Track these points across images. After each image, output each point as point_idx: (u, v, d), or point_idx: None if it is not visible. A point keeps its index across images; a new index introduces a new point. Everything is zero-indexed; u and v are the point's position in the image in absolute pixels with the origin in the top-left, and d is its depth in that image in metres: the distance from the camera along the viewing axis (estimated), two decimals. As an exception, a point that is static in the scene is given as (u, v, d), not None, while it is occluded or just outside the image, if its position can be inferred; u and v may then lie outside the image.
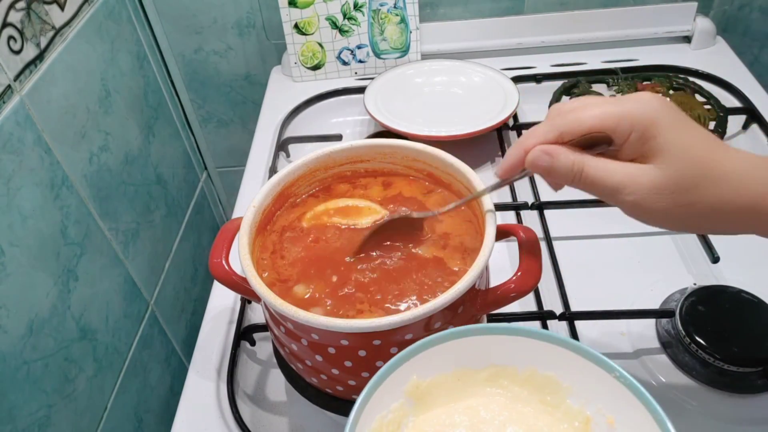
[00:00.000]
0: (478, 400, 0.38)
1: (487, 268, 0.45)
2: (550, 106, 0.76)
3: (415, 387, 0.37)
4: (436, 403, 0.38)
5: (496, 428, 0.37)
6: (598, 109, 0.37)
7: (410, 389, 0.37)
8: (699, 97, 0.75)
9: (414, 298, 0.44)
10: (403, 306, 0.43)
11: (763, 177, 0.36)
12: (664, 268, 0.62)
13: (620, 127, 0.36)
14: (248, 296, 0.51)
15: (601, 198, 0.38)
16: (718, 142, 0.37)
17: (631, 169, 0.37)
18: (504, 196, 0.71)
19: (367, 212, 0.52)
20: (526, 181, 0.71)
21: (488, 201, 0.45)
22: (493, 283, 0.46)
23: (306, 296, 0.45)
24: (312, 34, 0.89)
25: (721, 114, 0.72)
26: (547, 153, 0.38)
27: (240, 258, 0.44)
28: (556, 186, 0.42)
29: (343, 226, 0.50)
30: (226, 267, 0.48)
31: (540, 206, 0.67)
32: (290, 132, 0.84)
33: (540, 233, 0.64)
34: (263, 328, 0.59)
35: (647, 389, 0.52)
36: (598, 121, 0.37)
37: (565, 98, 0.77)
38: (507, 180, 0.42)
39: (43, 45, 0.64)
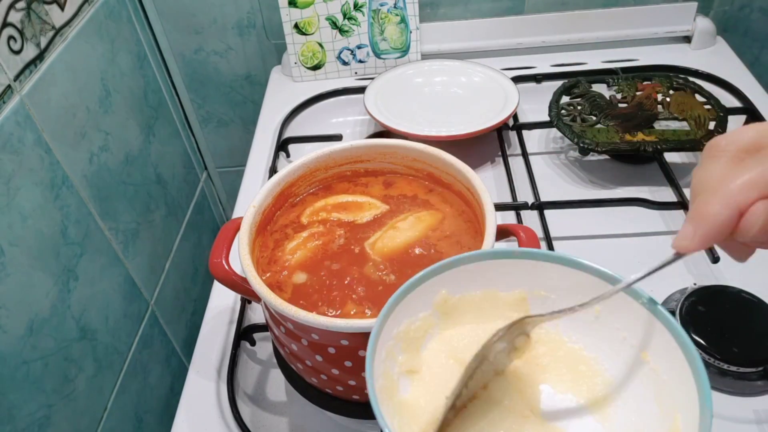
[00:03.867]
0: (503, 323, 0.37)
1: (487, 268, 0.45)
2: (550, 106, 0.76)
3: (443, 301, 0.37)
4: (462, 320, 0.38)
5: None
6: None
7: (439, 302, 0.37)
8: (699, 97, 0.75)
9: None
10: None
11: None
12: (664, 268, 0.62)
13: None
14: (248, 296, 0.51)
15: None
16: None
17: None
18: (504, 196, 0.71)
19: (368, 207, 0.52)
20: (526, 181, 0.71)
21: (488, 201, 0.45)
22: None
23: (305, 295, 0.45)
24: (312, 34, 0.89)
25: (721, 114, 0.72)
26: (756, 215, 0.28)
27: (240, 258, 0.44)
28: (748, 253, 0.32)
29: (344, 221, 0.50)
30: (226, 267, 0.48)
31: (540, 206, 0.67)
32: (290, 132, 0.84)
33: (540, 233, 0.64)
34: (263, 328, 0.59)
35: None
36: None
37: (565, 98, 0.77)
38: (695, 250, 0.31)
39: (43, 45, 0.64)
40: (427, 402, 0.35)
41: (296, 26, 0.88)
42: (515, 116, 0.80)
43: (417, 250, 0.48)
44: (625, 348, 0.36)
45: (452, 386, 0.34)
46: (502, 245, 0.64)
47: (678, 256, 0.33)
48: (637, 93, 0.77)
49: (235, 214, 0.75)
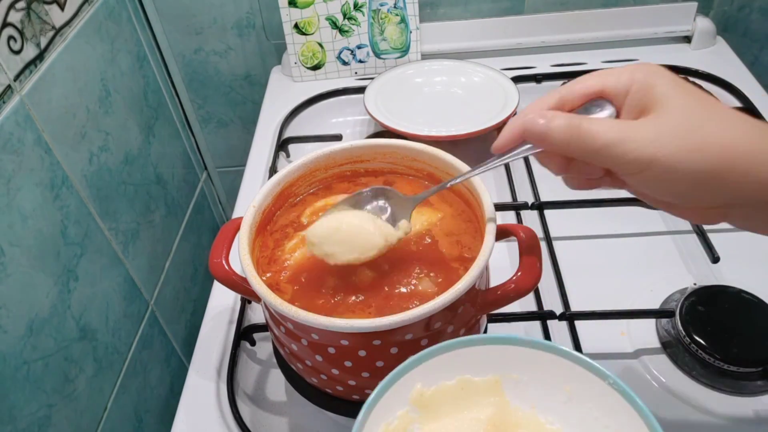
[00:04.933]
0: (482, 411, 0.38)
1: (487, 268, 0.45)
2: (550, 106, 0.76)
3: (419, 395, 0.37)
4: (440, 411, 0.38)
5: None
6: (597, 73, 0.37)
7: (415, 397, 0.37)
8: (699, 97, 0.75)
9: (415, 297, 0.44)
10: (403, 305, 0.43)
11: (763, 155, 0.33)
12: (664, 268, 0.62)
13: (620, 82, 0.36)
14: (248, 296, 0.51)
15: (600, 161, 0.35)
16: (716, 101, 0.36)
17: (631, 123, 0.35)
18: (504, 196, 0.71)
19: None
20: (526, 181, 0.71)
21: (488, 201, 0.45)
22: (493, 283, 0.46)
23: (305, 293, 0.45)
24: (312, 34, 0.89)
25: (721, 114, 0.72)
26: (543, 116, 0.36)
27: (240, 258, 0.44)
28: (554, 164, 0.39)
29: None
30: (226, 267, 0.48)
31: (540, 206, 0.67)
32: (290, 132, 0.84)
33: (540, 233, 0.64)
34: (263, 328, 0.59)
35: (647, 389, 0.53)
36: (599, 79, 0.37)
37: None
38: (502, 156, 0.40)
39: (43, 45, 0.64)
40: None
41: (296, 26, 0.88)
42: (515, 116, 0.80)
43: (415, 245, 0.48)
44: (599, 428, 0.36)
45: None
46: (502, 245, 0.65)
47: (496, 158, 0.41)
48: (637, 93, 0.77)
49: (235, 214, 0.75)
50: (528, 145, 0.38)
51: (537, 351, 0.37)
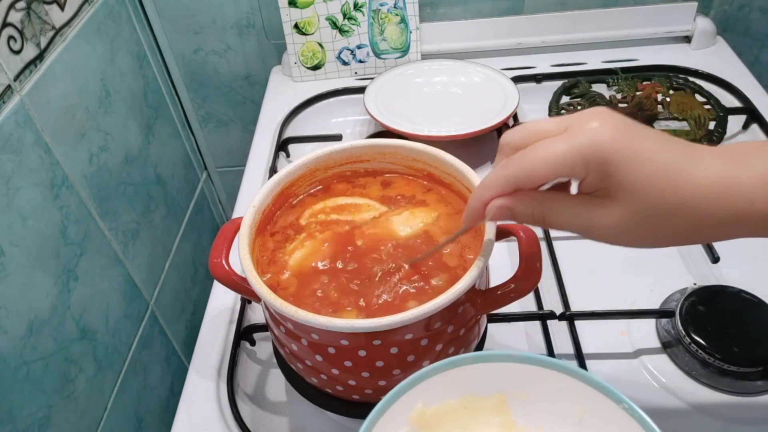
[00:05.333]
0: (486, 431, 0.37)
1: (487, 268, 0.45)
2: (550, 106, 0.76)
3: (420, 414, 0.36)
4: (443, 431, 0.37)
5: None
6: (548, 153, 0.34)
7: (415, 416, 0.36)
8: (699, 97, 0.75)
9: (414, 297, 0.44)
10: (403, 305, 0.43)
11: (743, 190, 0.33)
12: (664, 268, 0.62)
13: (575, 172, 0.34)
14: (248, 296, 0.51)
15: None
16: (687, 156, 0.34)
17: (594, 211, 0.35)
18: (504, 196, 0.70)
19: (366, 209, 0.52)
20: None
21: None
22: (493, 283, 0.46)
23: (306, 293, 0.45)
24: (312, 34, 0.89)
25: (721, 114, 0.72)
26: (506, 207, 0.36)
27: (240, 258, 0.44)
28: None
29: (342, 222, 0.50)
30: (226, 267, 0.48)
31: (540, 206, 0.67)
32: (290, 132, 0.84)
33: (540, 233, 0.64)
34: (263, 328, 0.59)
35: (647, 389, 0.53)
36: (552, 171, 0.34)
37: (565, 98, 0.77)
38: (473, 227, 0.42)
39: (43, 45, 0.64)
40: None
41: (296, 26, 0.88)
42: (515, 116, 0.80)
43: (415, 241, 0.48)
44: None
45: None
46: (502, 245, 0.65)
47: (464, 230, 0.42)
48: (637, 93, 0.77)
49: (235, 214, 0.75)
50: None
51: (547, 370, 0.36)
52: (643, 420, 0.33)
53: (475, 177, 0.47)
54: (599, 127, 0.34)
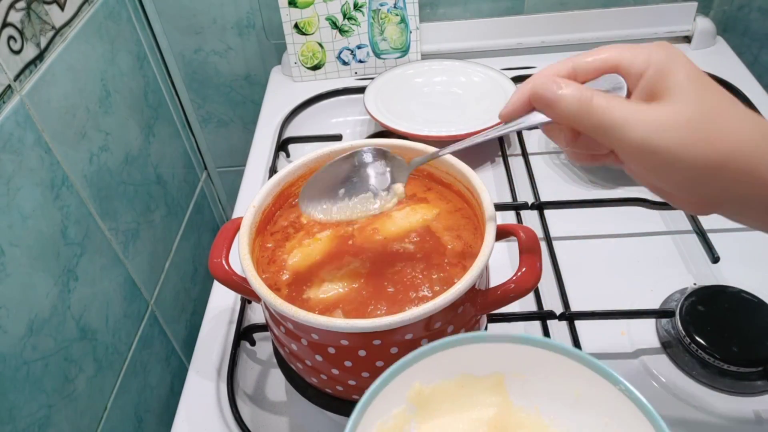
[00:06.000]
0: (483, 411, 0.37)
1: (487, 268, 0.45)
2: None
3: (417, 393, 0.36)
4: (439, 410, 0.37)
5: None
6: (615, 46, 0.36)
7: (412, 395, 0.36)
8: (699, 97, 0.75)
9: (414, 297, 0.44)
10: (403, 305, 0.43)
11: None
12: (664, 268, 0.62)
13: (637, 61, 0.34)
14: (248, 296, 0.51)
15: (606, 140, 0.34)
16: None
17: (642, 106, 0.34)
18: (504, 195, 0.71)
19: None
20: (526, 181, 0.71)
21: (488, 200, 0.45)
22: (493, 283, 0.46)
23: (307, 293, 0.45)
24: (312, 34, 0.89)
25: (721, 114, 0.72)
26: (555, 82, 0.35)
27: (240, 258, 0.44)
28: (561, 137, 0.39)
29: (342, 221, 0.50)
30: (226, 267, 0.48)
31: (540, 206, 0.67)
32: (290, 132, 0.84)
33: (540, 233, 0.64)
34: (263, 328, 0.59)
35: (647, 389, 0.53)
36: (616, 53, 0.35)
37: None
38: (508, 125, 0.38)
39: (43, 45, 0.64)
40: None
41: (296, 26, 0.88)
42: (515, 116, 0.80)
43: (415, 242, 0.48)
44: None
45: None
46: (502, 245, 0.65)
47: (502, 125, 0.39)
48: (637, 93, 0.77)
49: (235, 214, 0.75)
50: (536, 117, 0.37)
51: (544, 351, 0.36)
52: (639, 401, 0.33)
53: (475, 177, 0.47)
54: (667, 43, 0.35)
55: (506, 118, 0.38)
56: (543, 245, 0.62)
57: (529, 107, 0.37)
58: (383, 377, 0.35)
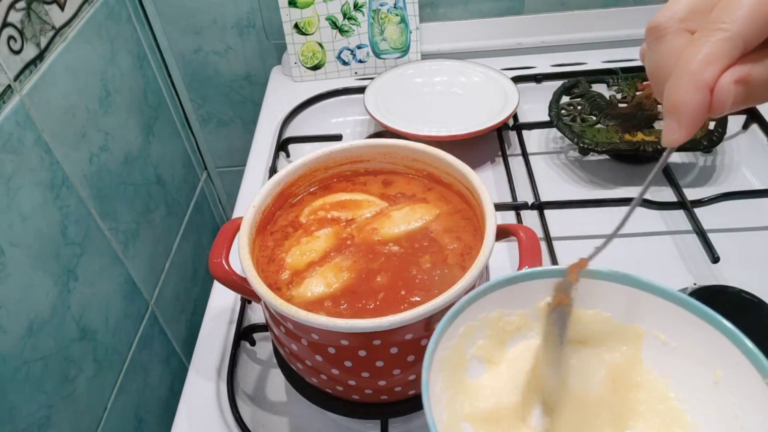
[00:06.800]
0: (609, 354, 0.35)
1: (487, 268, 0.45)
2: (550, 106, 0.76)
3: (546, 306, 0.35)
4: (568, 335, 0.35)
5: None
6: None
7: (543, 307, 0.35)
8: (699, 97, 0.75)
9: (413, 296, 0.44)
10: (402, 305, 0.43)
11: None
12: (664, 268, 0.62)
13: None
14: (248, 296, 0.51)
15: None
16: None
17: None
18: (504, 196, 0.70)
19: (366, 205, 0.52)
20: (526, 181, 0.71)
21: (488, 200, 0.45)
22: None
23: (308, 294, 0.45)
24: (312, 34, 0.89)
25: (721, 114, 0.72)
26: (742, 81, 0.26)
27: (240, 258, 0.44)
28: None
29: (342, 219, 0.50)
30: (226, 267, 0.48)
31: (540, 206, 0.67)
32: (290, 132, 0.84)
33: (540, 233, 0.64)
34: (263, 328, 0.59)
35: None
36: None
37: (565, 98, 0.77)
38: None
39: (43, 45, 0.64)
40: (493, 393, 0.33)
41: (296, 26, 0.88)
42: (515, 116, 0.80)
43: (415, 237, 0.48)
44: (735, 428, 0.31)
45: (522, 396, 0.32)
46: (502, 245, 0.65)
47: (671, 150, 0.30)
48: (637, 93, 0.77)
49: (235, 214, 0.75)
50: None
51: (695, 317, 0.33)
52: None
53: (475, 177, 0.47)
54: None
55: (690, 135, 0.28)
56: (543, 245, 0.62)
57: (707, 113, 0.28)
58: (533, 271, 0.34)
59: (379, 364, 0.42)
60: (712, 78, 0.26)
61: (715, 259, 0.60)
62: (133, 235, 0.81)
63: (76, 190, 0.68)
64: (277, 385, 0.57)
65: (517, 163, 0.75)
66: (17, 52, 0.60)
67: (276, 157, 0.78)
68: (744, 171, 0.72)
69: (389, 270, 0.46)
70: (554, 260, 0.62)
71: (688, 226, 0.65)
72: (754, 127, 0.76)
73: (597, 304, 0.35)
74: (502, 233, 0.46)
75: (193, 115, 1.06)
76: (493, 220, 0.44)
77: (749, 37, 0.26)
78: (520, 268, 0.45)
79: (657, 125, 0.71)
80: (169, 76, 0.99)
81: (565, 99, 0.78)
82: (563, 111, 0.75)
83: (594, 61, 0.90)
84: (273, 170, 0.77)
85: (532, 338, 0.36)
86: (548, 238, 0.64)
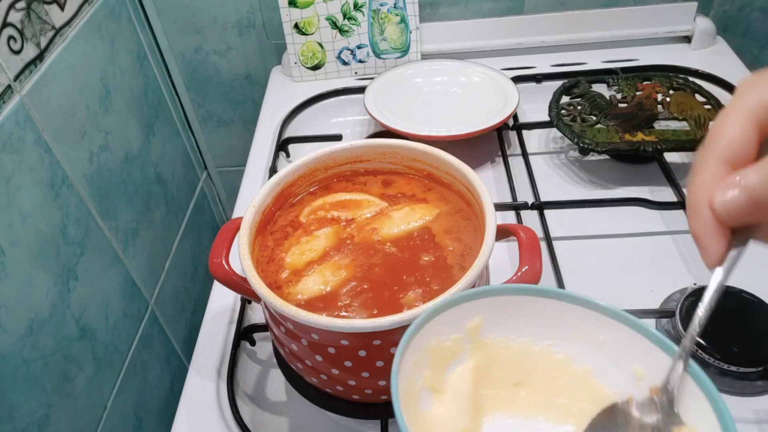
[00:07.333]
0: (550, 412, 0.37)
1: (487, 268, 0.45)
2: (550, 106, 0.76)
3: (476, 326, 0.36)
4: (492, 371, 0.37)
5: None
6: (742, 110, 0.28)
7: (472, 327, 0.36)
8: (699, 97, 0.75)
9: (415, 296, 0.44)
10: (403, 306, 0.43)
11: None
12: (664, 268, 0.62)
13: None
14: (248, 296, 0.51)
15: None
16: None
17: None
18: (504, 196, 0.71)
19: (366, 205, 0.52)
20: (526, 181, 0.71)
21: (488, 200, 0.45)
22: (493, 283, 0.46)
23: (309, 293, 0.45)
24: (312, 34, 0.89)
25: (721, 114, 0.72)
26: (728, 186, 0.28)
27: (240, 258, 0.44)
28: None
29: (342, 219, 0.50)
30: (226, 267, 0.48)
31: (540, 206, 0.67)
32: (290, 132, 0.84)
33: (540, 233, 0.64)
34: (263, 328, 0.59)
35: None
36: (753, 122, 0.28)
37: (565, 98, 0.77)
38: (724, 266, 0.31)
39: (43, 45, 0.64)
40: (448, 421, 0.34)
41: (296, 26, 0.88)
42: (515, 116, 0.80)
43: (416, 243, 0.48)
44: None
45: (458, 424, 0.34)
46: (502, 245, 0.65)
47: (714, 272, 0.32)
48: (637, 93, 0.77)
49: (235, 214, 0.75)
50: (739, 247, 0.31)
51: (601, 315, 0.36)
52: (658, 339, 0.33)
53: (475, 177, 0.47)
54: None
55: (718, 264, 0.31)
56: (543, 245, 0.62)
57: (728, 235, 0.30)
58: (458, 296, 0.35)
59: (379, 364, 0.42)
60: (705, 201, 0.29)
61: (715, 260, 0.60)
62: (133, 235, 0.81)
63: (76, 189, 0.68)
64: (277, 385, 0.57)
65: (517, 163, 0.75)
66: (17, 52, 0.60)
67: (276, 157, 0.78)
68: (744, 171, 0.72)
69: (389, 270, 0.46)
70: (554, 260, 0.62)
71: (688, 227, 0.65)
72: (754, 128, 0.76)
73: (528, 331, 0.37)
74: (502, 233, 0.46)
75: (193, 114, 1.06)
76: (493, 220, 0.44)
77: (731, 157, 0.28)
78: (520, 268, 0.45)
79: (657, 125, 0.71)
80: (169, 75, 0.99)
81: (565, 99, 0.78)
82: (563, 111, 0.75)
83: (594, 61, 0.90)
84: (273, 170, 0.77)
85: (466, 361, 0.36)
86: (548, 238, 0.64)
